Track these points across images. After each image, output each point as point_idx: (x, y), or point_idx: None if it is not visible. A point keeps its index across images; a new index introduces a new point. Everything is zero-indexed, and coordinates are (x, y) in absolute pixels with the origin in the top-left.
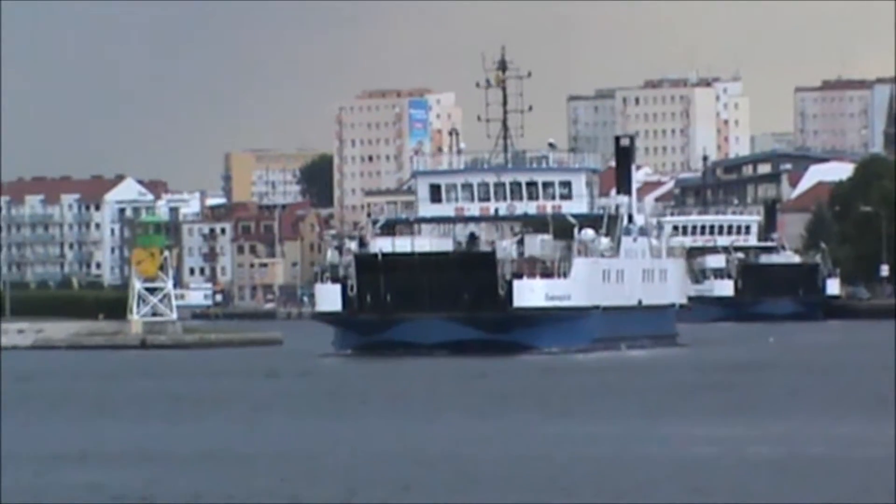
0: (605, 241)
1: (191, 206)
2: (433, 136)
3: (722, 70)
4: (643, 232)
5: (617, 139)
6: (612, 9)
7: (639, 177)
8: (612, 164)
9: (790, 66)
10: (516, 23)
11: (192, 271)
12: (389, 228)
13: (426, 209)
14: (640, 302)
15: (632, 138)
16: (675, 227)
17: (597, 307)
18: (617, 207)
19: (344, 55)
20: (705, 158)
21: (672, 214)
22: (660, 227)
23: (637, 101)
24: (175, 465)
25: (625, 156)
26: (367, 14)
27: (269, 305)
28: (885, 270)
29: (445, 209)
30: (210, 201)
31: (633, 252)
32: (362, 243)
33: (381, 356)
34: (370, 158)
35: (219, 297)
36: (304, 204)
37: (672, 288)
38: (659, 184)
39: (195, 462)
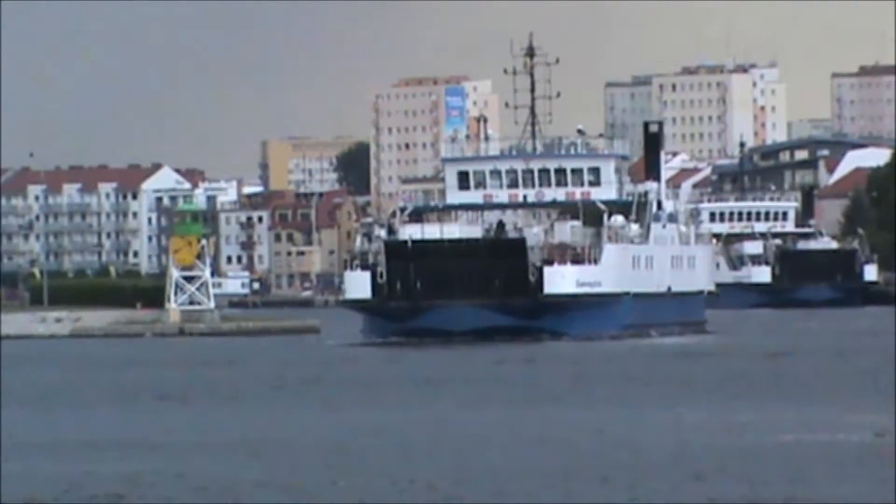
0: (634, 228)
1: (228, 195)
2: (470, 124)
3: (758, 56)
4: (672, 218)
5: (646, 125)
6: None
7: (675, 163)
8: None
9: (827, 51)
10: (552, 11)
11: (229, 259)
12: (418, 215)
13: (454, 196)
14: (669, 288)
15: (660, 124)
16: (713, 214)
17: (627, 294)
18: (646, 194)
19: (380, 43)
20: (742, 145)
21: (709, 201)
22: (696, 213)
23: (674, 87)
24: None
25: (653, 142)
26: (403, 2)
27: (307, 293)
28: None
29: (474, 196)
30: (247, 189)
31: (662, 238)
32: (391, 230)
33: (412, 345)
34: (407, 146)
35: (256, 286)
36: (341, 192)
37: (701, 274)
38: (696, 170)
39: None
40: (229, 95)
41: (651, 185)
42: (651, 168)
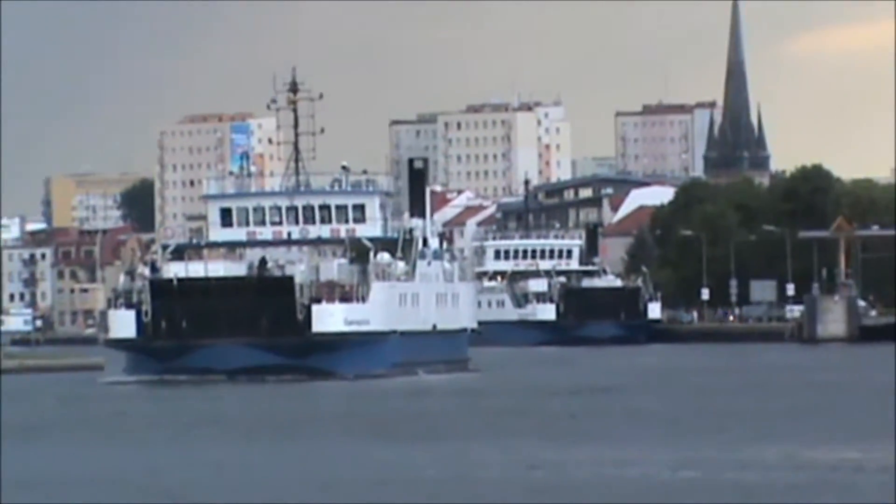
0: (401, 265)
1: (11, 232)
2: (255, 161)
3: (543, 95)
4: (437, 255)
5: (410, 161)
6: (434, 36)
7: (461, 201)
8: (436, 186)
9: (611, 91)
10: (336, 47)
11: (11, 297)
12: (179, 253)
13: (217, 233)
14: (434, 326)
15: (425, 161)
16: (497, 252)
17: (394, 332)
18: (411, 230)
19: (165, 80)
20: (527, 182)
21: (494, 238)
22: (481, 251)
23: (459, 125)
24: None
25: (418, 178)
26: (189, 40)
27: (90, 331)
28: (706, 294)
29: (237, 233)
30: (30, 226)
31: (427, 276)
32: (154, 268)
33: (173, 384)
34: (192, 183)
35: (39, 323)
36: (125, 228)
37: (464, 312)
38: (481, 208)
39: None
40: (11, 131)
41: (417, 222)
42: (416, 204)
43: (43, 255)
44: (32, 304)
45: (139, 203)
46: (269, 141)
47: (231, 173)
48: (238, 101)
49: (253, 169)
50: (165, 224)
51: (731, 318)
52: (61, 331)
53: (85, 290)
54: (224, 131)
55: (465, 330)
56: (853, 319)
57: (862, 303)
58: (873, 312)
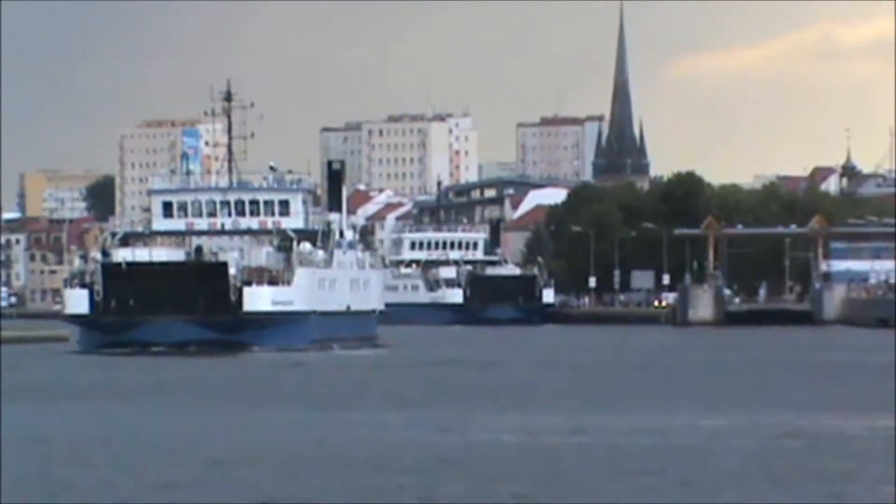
0: (320, 254)
1: None
2: (203, 161)
3: (454, 107)
4: (351, 245)
5: (329, 163)
6: (359, 53)
7: (382, 199)
8: (360, 186)
9: (513, 104)
10: (277, 62)
11: None
12: (126, 240)
13: (159, 223)
14: (348, 307)
15: (342, 163)
16: (413, 243)
17: (314, 311)
18: (329, 223)
19: (126, 89)
20: (439, 184)
21: (410, 231)
22: (399, 242)
23: (381, 132)
24: None
25: (336, 178)
26: (147, 51)
27: (58, 307)
28: (592, 282)
29: (177, 224)
30: (6, 215)
31: (343, 263)
32: (105, 253)
33: (123, 355)
34: (148, 180)
35: (14, 300)
36: (89, 219)
37: (374, 296)
38: (400, 205)
39: None
40: None
41: (334, 216)
42: (334, 201)
43: (17, 241)
44: (7, 283)
45: (102, 196)
46: (206, 143)
47: (172, 171)
48: (189, 108)
49: (199, 168)
50: (125, 216)
51: (619, 302)
52: (32, 307)
53: (53, 272)
54: (176, 135)
55: (374, 311)
56: (719, 306)
57: (727, 291)
58: (737, 300)
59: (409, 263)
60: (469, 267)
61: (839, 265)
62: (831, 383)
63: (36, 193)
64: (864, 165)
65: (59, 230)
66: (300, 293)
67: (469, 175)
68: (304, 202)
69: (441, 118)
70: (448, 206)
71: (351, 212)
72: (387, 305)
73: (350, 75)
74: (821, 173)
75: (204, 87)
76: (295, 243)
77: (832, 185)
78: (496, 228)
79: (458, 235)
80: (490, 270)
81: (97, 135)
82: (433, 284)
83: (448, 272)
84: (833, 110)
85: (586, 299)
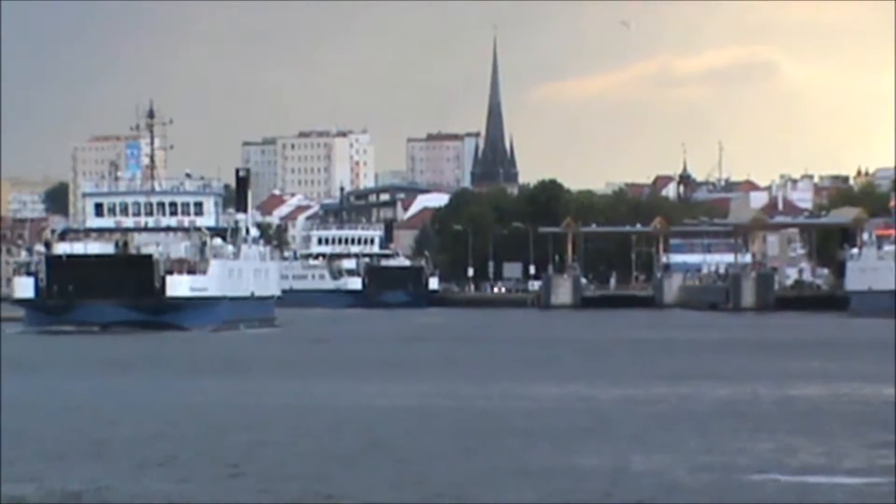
0: (230, 248)
1: None
2: (143, 171)
3: (354, 125)
4: (255, 241)
5: (237, 171)
6: (274, 75)
7: (294, 202)
8: (276, 191)
9: (404, 122)
10: (204, 84)
11: None
12: (64, 235)
13: (92, 221)
14: (252, 293)
15: (248, 170)
16: (320, 239)
17: (225, 297)
18: (237, 222)
19: (79, 105)
20: (342, 189)
21: (318, 229)
22: (308, 238)
23: (293, 146)
24: None
25: (243, 184)
26: (97, 72)
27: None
28: (471, 272)
29: (107, 221)
30: None
31: (248, 256)
32: (48, 246)
33: (65, 333)
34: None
35: None
36: (47, 219)
37: (272, 283)
38: (309, 207)
39: None
40: None
41: (241, 216)
42: (241, 203)
43: None
44: None
45: (58, 200)
46: (146, 155)
47: (103, 177)
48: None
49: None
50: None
51: (493, 289)
52: None
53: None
54: (121, 148)
55: (273, 296)
56: (577, 292)
57: (584, 280)
58: (592, 287)
59: (316, 256)
60: (367, 259)
61: (677, 258)
62: (663, 358)
63: (2, 196)
64: (698, 174)
65: (22, 228)
66: (213, 281)
67: (367, 182)
68: (216, 204)
69: (343, 134)
70: (349, 208)
71: (267, 213)
72: (297, 291)
73: (267, 96)
74: (661, 181)
75: (145, 104)
76: (208, 239)
77: (671, 191)
78: (390, 227)
79: (358, 233)
80: (384, 262)
81: (53, 148)
82: (337, 274)
83: (349, 263)
84: (671, 128)
85: (466, 287)
